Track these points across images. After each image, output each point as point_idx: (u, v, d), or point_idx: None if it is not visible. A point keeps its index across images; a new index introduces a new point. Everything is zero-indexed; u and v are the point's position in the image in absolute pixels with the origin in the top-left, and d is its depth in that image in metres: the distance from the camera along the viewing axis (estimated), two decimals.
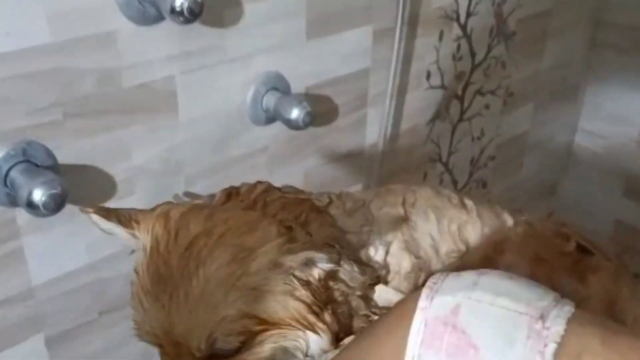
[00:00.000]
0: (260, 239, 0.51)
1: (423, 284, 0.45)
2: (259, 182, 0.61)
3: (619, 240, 1.66)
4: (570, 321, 0.40)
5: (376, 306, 0.57)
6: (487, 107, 1.36)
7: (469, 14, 1.20)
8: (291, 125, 0.88)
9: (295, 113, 0.87)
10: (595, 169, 1.70)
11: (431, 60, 1.17)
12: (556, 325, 0.39)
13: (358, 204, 0.63)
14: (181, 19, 0.67)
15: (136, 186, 0.82)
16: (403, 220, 0.62)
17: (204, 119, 0.87)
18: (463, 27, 1.20)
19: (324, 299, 0.53)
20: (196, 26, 0.78)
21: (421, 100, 1.19)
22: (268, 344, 0.51)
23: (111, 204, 0.79)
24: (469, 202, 0.67)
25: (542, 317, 0.40)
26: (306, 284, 0.52)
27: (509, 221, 0.66)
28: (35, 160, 0.71)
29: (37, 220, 0.71)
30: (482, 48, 1.27)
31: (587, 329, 0.40)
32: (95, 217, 0.57)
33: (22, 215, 0.72)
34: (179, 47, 0.80)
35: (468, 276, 0.44)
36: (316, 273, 0.53)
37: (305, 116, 0.87)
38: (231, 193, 0.59)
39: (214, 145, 0.89)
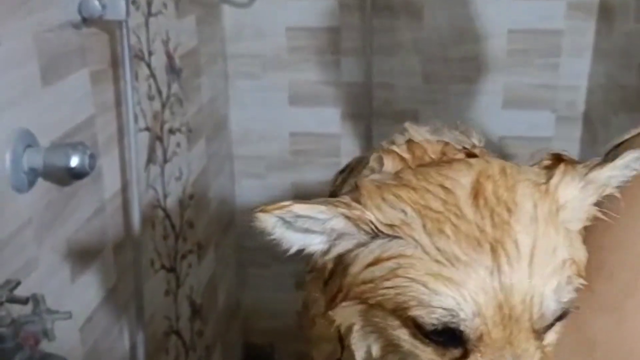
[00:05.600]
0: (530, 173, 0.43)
1: None
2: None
3: None
4: None
5: None
6: (178, 145, 1.37)
7: (150, 53, 1.20)
8: (73, 173, 0.76)
9: (75, 160, 0.76)
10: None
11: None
12: None
13: None
14: None
15: None
16: None
17: None
18: (149, 66, 1.19)
19: None
20: None
21: (134, 145, 1.14)
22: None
23: None
24: None
25: None
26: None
27: None
28: None
29: None
30: (165, 86, 1.28)
31: None
32: (299, 207, 0.44)
33: None
34: None
35: None
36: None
37: (90, 159, 0.77)
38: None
39: None
